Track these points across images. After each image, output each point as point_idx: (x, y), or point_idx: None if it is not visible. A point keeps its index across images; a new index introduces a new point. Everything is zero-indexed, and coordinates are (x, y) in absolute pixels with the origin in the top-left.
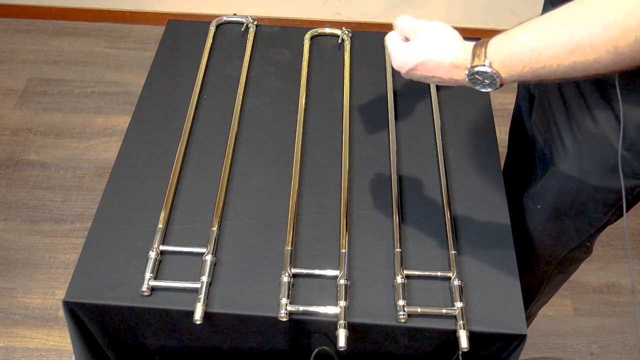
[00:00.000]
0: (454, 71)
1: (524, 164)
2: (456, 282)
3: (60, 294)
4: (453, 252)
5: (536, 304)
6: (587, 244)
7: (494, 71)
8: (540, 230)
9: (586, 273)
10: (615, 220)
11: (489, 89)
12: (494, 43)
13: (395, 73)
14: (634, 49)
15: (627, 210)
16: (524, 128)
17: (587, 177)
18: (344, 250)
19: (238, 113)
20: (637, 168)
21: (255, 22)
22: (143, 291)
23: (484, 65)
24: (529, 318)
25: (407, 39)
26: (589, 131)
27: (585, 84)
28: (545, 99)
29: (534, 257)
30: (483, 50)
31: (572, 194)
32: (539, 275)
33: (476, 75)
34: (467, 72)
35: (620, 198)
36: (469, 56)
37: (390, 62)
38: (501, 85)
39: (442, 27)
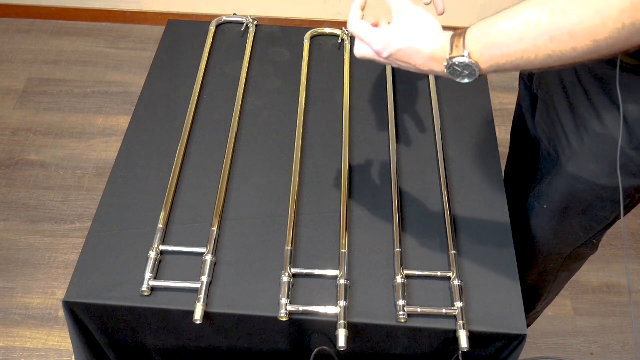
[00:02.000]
0: (432, 63)
1: (526, 164)
2: (456, 282)
3: (60, 294)
4: (453, 252)
5: (542, 303)
6: (594, 241)
7: (473, 62)
8: (546, 229)
9: (586, 273)
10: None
11: (467, 80)
12: (472, 33)
13: (395, 73)
14: (612, 38)
15: (632, 208)
16: (526, 128)
17: (595, 177)
18: (344, 250)
19: (238, 113)
20: None
21: (255, 22)
22: (143, 291)
23: (463, 57)
24: (535, 317)
25: (375, 25)
26: (595, 131)
27: (591, 84)
28: (549, 99)
29: (540, 256)
30: (462, 40)
31: (579, 194)
32: (546, 273)
33: (455, 67)
34: (445, 64)
35: (629, 196)
36: (447, 47)
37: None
38: (480, 76)
39: (425, 14)
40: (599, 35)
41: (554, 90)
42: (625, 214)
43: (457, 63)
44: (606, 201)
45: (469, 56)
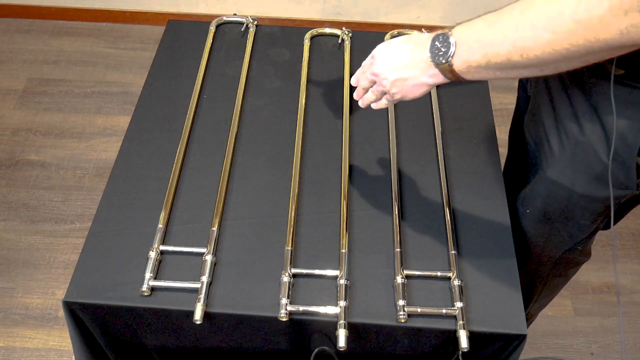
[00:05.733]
0: (417, 47)
1: (522, 166)
2: (456, 282)
3: (60, 294)
4: (453, 252)
5: (534, 305)
6: (579, 247)
7: (453, 38)
8: (532, 232)
9: (586, 273)
10: (606, 226)
11: (441, 60)
12: (457, 27)
13: None
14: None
15: (616, 221)
16: (523, 130)
17: (573, 184)
18: (344, 250)
19: (238, 113)
20: (621, 178)
21: (255, 22)
22: (143, 291)
23: (446, 33)
24: (529, 319)
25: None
26: (575, 139)
27: (574, 90)
28: (535, 102)
29: (528, 257)
30: (447, 29)
31: (559, 201)
32: (534, 275)
33: (436, 41)
34: (431, 40)
35: (607, 207)
36: (432, 34)
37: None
38: (454, 74)
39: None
40: (557, 34)
41: (540, 93)
42: (607, 224)
43: (440, 38)
44: (585, 210)
45: (452, 34)
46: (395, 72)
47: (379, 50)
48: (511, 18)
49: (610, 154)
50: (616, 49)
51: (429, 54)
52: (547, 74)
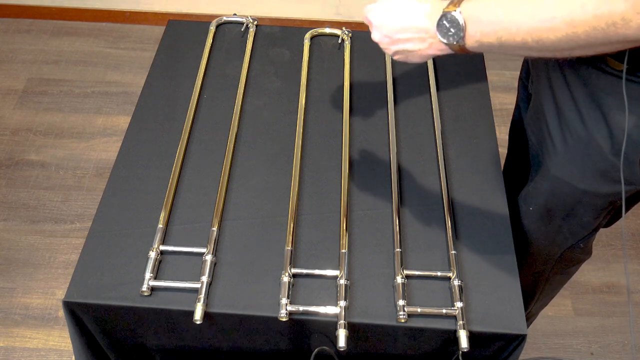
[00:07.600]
0: (424, 18)
1: (522, 165)
2: (456, 282)
3: (60, 294)
4: (453, 252)
5: (536, 304)
6: (581, 245)
7: (462, 19)
8: (534, 230)
9: (586, 273)
10: (608, 224)
11: (451, 40)
12: (468, 5)
13: (395, 72)
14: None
15: (617, 218)
16: (523, 129)
17: (576, 181)
18: (344, 250)
19: (238, 113)
20: (625, 173)
21: (255, 22)
22: (143, 291)
23: (455, 11)
24: (529, 318)
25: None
26: (579, 135)
27: (577, 87)
28: (538, 100)
29: (530, 256)
30: (452, 6)
31: (562, 197)
32: (536, 274)
33: (444, 21)
34: (438, 18)
35: (610, 203)
36: (441, 7)
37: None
38: (462, 47)
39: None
40: (577, 27)
41: (542, 90)
42: (610, 220)
43: (448, 17)
44: (587, 206)
45: (460, 14)
46: (398, 44)
47: (378, 14)
48: (527, 1)
49: (622, 150)
50: (632, 42)
51: (437, 33)
52: (559, 57)
